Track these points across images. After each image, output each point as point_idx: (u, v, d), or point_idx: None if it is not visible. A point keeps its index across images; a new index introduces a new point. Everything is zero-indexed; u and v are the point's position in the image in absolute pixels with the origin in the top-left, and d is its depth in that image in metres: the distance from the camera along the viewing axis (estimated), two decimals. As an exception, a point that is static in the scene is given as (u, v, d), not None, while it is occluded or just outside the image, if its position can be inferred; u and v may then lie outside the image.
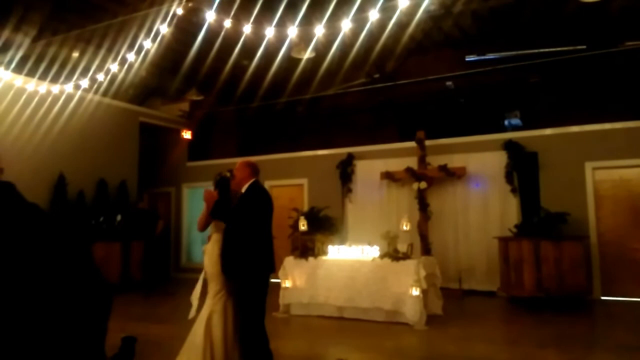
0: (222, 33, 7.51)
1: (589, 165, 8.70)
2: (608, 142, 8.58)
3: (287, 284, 7.20)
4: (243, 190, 4.21)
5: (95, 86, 9.33)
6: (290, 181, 11.08)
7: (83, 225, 9.50)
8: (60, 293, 0.99)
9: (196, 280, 4.38)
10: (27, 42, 9.08)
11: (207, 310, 4.09)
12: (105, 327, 1.11)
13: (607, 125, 8.70)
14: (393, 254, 6.74)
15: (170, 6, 7.09)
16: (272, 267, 4.21)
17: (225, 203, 4.18)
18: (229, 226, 4.13)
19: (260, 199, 4.21)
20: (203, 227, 4.29)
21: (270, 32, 6.77)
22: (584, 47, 9.52)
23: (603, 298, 8.34)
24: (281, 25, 6.83)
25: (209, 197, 4.14)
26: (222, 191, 4.33)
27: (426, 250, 8.70)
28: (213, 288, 4.13)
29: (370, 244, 7.07)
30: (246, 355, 3.99)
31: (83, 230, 9.39)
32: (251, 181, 4.22)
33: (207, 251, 4.22)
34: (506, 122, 10.63)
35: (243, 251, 4.02)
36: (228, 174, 4.41)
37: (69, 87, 9.35)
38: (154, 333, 5.97)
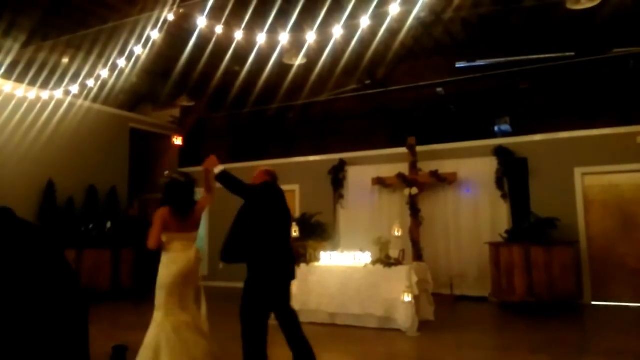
0: (214, 39, 7.51)
1: (578, 171, 8.78)
2: (597, 147, 8.67)
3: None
4: None
5: (86, 92, 9.28)
6: (281, 187, 11.06)
7: (70, 231, 9.37)
8: (36, 300, 0.98)
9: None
10: (16, 47, 9.02)
11: (193, 319, 4.03)
12: (85, 333, 1.09)
13: (596, 131, 8.79)
14: (385, 260, 6.74)
15: (161, 12, 7.08)
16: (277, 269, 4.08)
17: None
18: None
19: (262, 193, 4.15)
20: (154, 243, 4.04)
21: (261, 38, 6.78)
22: (573, 54, 9.64)
23: (593, 303, 8.39)
24: (273, 31, 6.85)
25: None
26: (172, 194, 4.06)
27: (418, 256, 8.70)
28: (194, 295, 4.12)
29: (362, 250, 7.06)
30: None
31: (61, 235, 9.25)
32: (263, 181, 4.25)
33: (196, 259, 4.14)
34: (496, 128, 10.71)
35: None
36: (183, 178, 4.15)
37: (58, 93, 9.29)
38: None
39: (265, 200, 4.12)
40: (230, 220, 4.19)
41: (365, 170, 10.28)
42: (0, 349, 0.93)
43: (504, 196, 9.17)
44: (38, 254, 1.05)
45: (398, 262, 6.72)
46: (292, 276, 4.20)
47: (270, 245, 4.03)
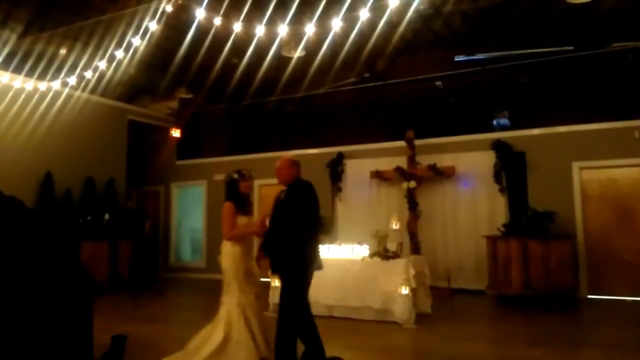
0: (212, 31, 7.47)
1: (576, 165, 8.79)
2: (595, 142, 8.68)
3: (277, 283, 7.18)
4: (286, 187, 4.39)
5: (83, 83, 9.25)
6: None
7: (69, 223, 9.40)
8: (45, 289, 0.98)
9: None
10: (13, 38, 8.97)
11: (236, 308, 4.33)
12: (90, 323, 1.10)
13: (594, 126, 8.80)
14: (383, 253, 6.76)
15: (160, 3, 7.03)
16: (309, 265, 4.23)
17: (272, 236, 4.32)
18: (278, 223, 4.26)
19: (305, 195, 4.37)
20: (232, 239, 4.48)
21: (260, 30, 6.74)
22: (572, 48, 9.62)
23: (590, 296, 8.43)
24: (271, 23, 6.81)
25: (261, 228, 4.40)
26: (231, 192, 4.58)
27: (415, 249, 8.73)
28: (238, 285, 4.40)
29: (360, 243, 7.08)
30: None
31: (68, 226, 9.29)
32: (295, 179, 4.46)
33: (227, 252, 4.46)
34: (494, 122, 10.70)
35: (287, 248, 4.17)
36: (236, 176, 4.62)
37: (56, 85, 9.25)
38: (143, 333, 5.93)
39: (299, 202, 4.33)
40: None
41: (364, 163, 10.28)
42: (10, 337, 0.94)
43: (501, 190, 9.19)
44: (49, 243, 1.06)
45: (396, 255, 6.74)
46: (318, 267, 4.37)
47: (299, 240, 4.18)
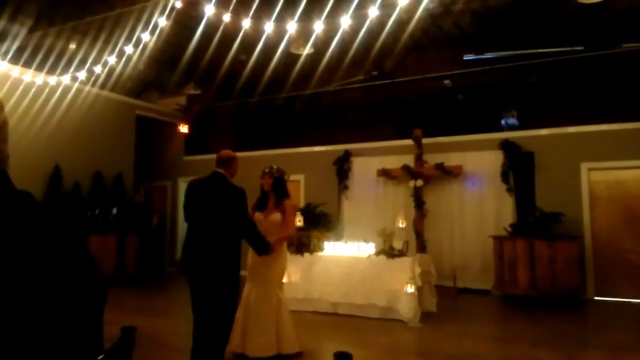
0: (221, 27, 7.49)
1: (584, 166, 8.74)
2: (604, 143, 8.62)
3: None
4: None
5: (93, 78, 9.30)
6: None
7: (77, 216, 9.48)
8: (55, 284, 1.00)
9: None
10: (23, 32, 9.02)
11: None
12: (101, 319, 1.12)
13: (603, 127, 8.75)
14: (388, 251, 6.76)
15: (169, -1, 7.06)
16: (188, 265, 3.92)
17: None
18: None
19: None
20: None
21: (269, 27, 6.75)
22: (582, 48, 9.56)
23: (596, 298, 8.39)
24: (280, 20, 6.81)
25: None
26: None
27: (421, 247, 8.72)
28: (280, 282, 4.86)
29: (366, 240, 7.09)
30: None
31: (77, 220, 9.37)
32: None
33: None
34: (503, 122, 10.65)
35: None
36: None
37: (66, 79, 9.31)
38: (149, 326, 5.98)
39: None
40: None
41: (371, 161, 10.27)
42: (18, 331, 0.95)
43: (509, 190, 9.15)
44: (58, 239, 1.07)
45: (401, 254, 6.75)
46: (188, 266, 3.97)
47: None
